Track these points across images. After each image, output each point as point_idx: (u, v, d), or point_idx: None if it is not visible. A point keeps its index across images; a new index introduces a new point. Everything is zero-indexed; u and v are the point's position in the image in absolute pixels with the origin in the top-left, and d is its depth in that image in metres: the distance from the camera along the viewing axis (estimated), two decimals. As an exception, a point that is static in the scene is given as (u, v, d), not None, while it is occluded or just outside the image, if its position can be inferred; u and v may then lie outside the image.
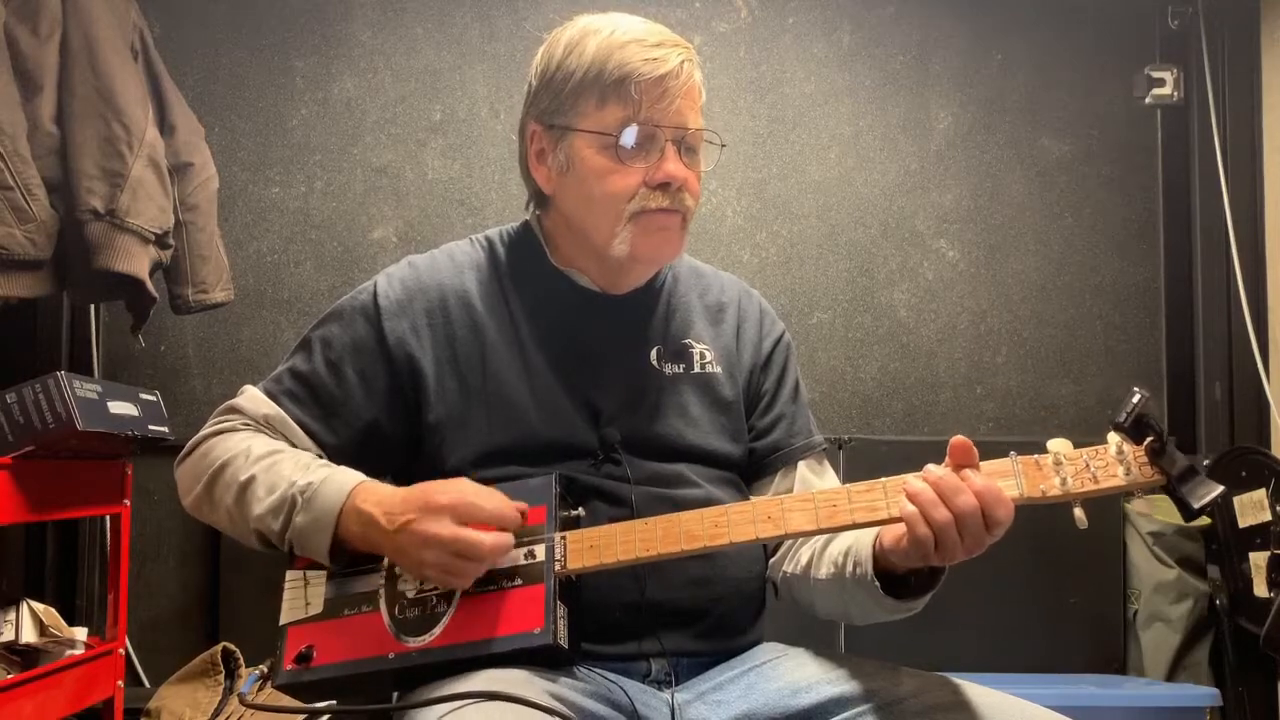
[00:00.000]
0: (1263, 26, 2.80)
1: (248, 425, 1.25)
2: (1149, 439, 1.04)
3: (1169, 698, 2.31)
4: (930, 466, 1.07)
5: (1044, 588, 2.60)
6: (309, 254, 2.74)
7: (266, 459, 1.19)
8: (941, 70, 2.89)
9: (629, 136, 1.22)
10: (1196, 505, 1.03)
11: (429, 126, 2.78)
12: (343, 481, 1.15)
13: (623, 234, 1.24)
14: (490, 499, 1.11)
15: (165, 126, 2.33)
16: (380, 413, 1.26)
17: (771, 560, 1.34)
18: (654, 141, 1.24)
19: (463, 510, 1.09)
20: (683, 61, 1.24)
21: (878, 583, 1.14)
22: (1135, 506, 2.60)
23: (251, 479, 1.17)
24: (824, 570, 1.23)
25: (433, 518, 1.09)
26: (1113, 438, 1.06)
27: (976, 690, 1.12)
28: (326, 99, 2.77)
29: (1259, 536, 2.44)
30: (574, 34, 1.27)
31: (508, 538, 1.10)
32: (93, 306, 2.58)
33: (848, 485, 1.11)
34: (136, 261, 2.12)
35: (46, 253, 2.06)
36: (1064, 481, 1.05)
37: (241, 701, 1.16)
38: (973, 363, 2.84)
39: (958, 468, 1.06)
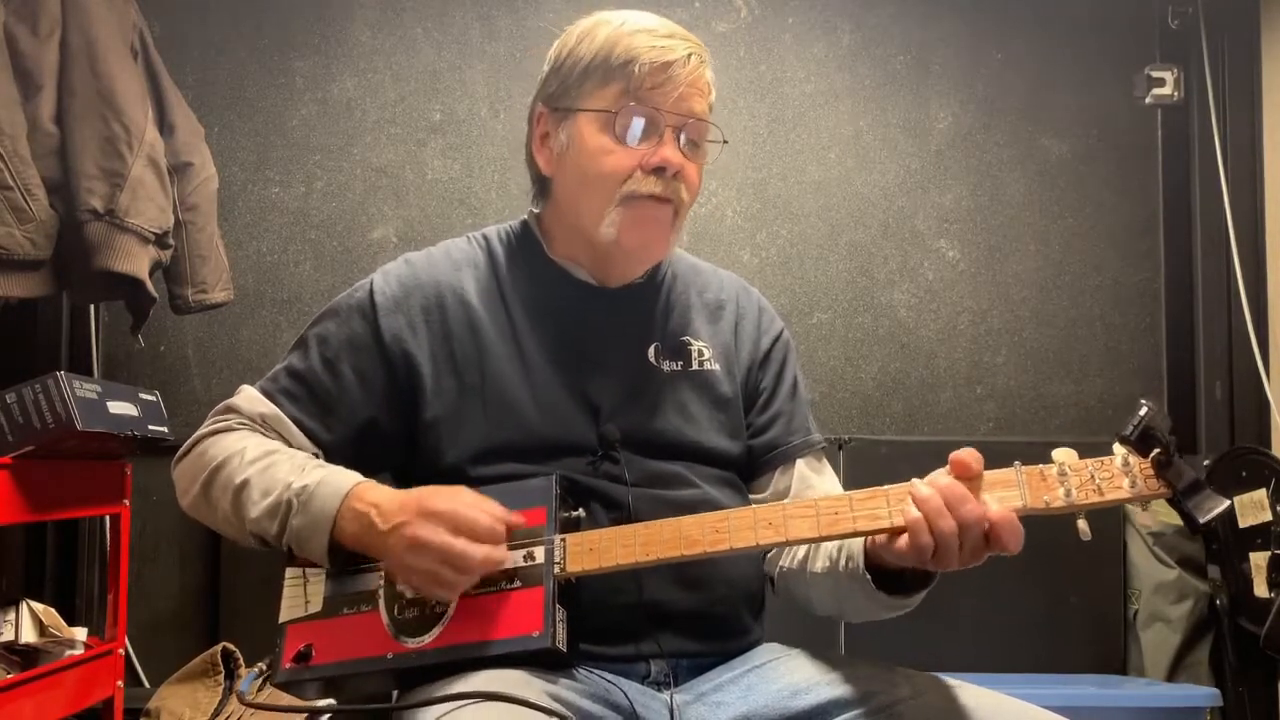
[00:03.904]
0: (1263, 26, 2.80)
1: (244, 425, 1.25)
2: (1155, 451, 1.03)
3: (1169, 698, 2.31)
4: (938, 473, 1.06)
5: (1044, 588, 2.60)
6: (309, 254, 2.74)
7: (261, 460, 1.18)
8: (941, 70, 2.89)
9: (628, 116, 1.24)
10: (1202, 520, 1.02)
11: (429, 126, 2.78)
12: (340, 483, 1.14)
13: (611, 216, 1.25)
14: (485, 513, 1.09)
15: (165, 126, 2.33)
16: (377, 410, 1.25)
17: (769, 555, 1.34)
18: (654, 127, 1.25)
19: (460, 522, 1.07)
20: (690, 54, 1.25)
21: (869, 576, 1.14)
22: (1136, 507, 2.60)
23: (246, 481, 1.17)
24: (819, 564, 1.24)
25: (426, 523, 1.07)
26: (1118, 449, 1.05)
27: (975, 691, 1.12)
28: (326, 99, 2.77)
29: (1259, 536, 2.44)
30: (588, 24, 1.30)
31: (500, 552, 1.08)
32: (92, 306, 2.58)
33: (850, 492, 1.10)
34: (136, 261, 2.12)
35: (46, 253, 2.06)
36: (1068, 493, 1.04)
37: (240, 700, 1.16)
38: (973, 363, 2.84)
39: (960, 479, 1.06)
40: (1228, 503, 1.03)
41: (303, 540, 1.14)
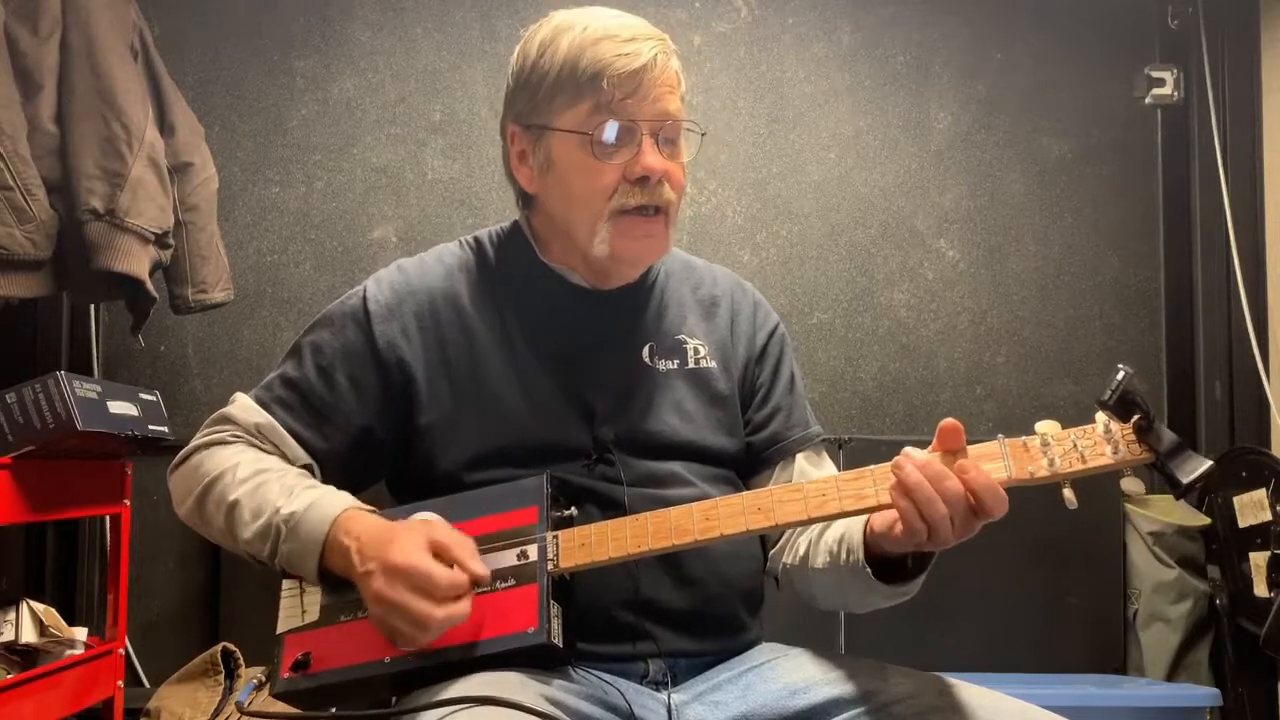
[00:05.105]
0: (1263, 26, 2.80)
1: (239, 437, 1.24)
2: (1135, 416, 1.03)
3: (1169, 698, 2.31)
4: (913, 450, 1.06)
5: (1044, 588, 2.60)
6: (309, 254, 2.74)
7: (252, 480, 1.18)
8: (941, 70, 2.89)
9: (605, 133, 1.22)
10: (1185, 480, 1.02)
11: (429, 126, 2.78)
12: (326, 511, 1.13)
13: (602, 232, 1.24)
14: (446, 569, 1.05)
15: (165, 126, 2.33)
16: (372, 417, 1.25)
17: (771, 552, 1.34)
18: (631, 136, 1.23)
19: (418, 580, 1.04)
20: (656, 54, 1.22)
21: (869, 569, 1.14)
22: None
23: (237, 502, 1.17)
24: (820, 559, 1.24)
25: (386, 578, 1.05)
26: (1100, 417, 1.06)
27: (973, 691, 1.12)
28: (326, 99, 2.77)
29: (1259, 536, 2.44)
30: (547, 32, 1.26)
31: (463, 607, 1.05)
32: (93, 306, 2.58)
33: (836, 474, 1.12)
34: (136, 261, 2.12)
35: (46, 253, 2.06)
36: (1052, 462, 1.05)
37: (239, 709, 1.16)
38: (973, 363, 2.84)
39: (946, 453, 1.06)
40: (1210, 463, 1.03)
41: (293, 564, 1.14)
